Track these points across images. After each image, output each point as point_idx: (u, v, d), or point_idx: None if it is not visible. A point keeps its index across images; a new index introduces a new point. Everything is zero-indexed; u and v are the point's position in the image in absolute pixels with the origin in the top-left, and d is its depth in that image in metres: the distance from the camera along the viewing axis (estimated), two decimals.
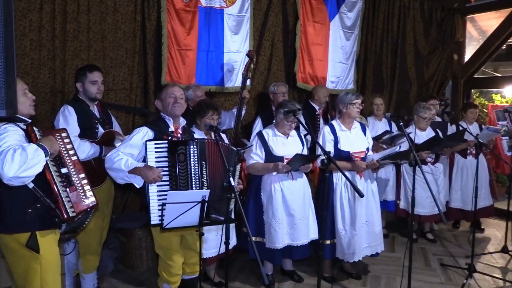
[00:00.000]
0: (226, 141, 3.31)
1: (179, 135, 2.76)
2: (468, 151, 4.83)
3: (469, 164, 4.84)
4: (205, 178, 2.51)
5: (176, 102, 2.71)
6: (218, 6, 4.31)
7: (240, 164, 2.78)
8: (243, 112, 4.05)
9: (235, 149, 2.70)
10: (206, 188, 2.50)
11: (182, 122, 2.85)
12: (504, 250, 4.31)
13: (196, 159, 2.50)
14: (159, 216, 2.40)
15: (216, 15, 4.31)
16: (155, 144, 2.50)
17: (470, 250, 3.76)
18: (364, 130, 3.60)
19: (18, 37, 3.30)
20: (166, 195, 2.33)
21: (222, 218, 2.49)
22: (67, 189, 2.16)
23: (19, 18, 3.30)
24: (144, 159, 2.53)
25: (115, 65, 3.84)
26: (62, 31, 3.53)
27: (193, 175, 2.49)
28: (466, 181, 4.83)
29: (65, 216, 2.09)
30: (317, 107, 4.51)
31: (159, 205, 2.41)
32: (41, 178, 2.07)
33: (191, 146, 2.49)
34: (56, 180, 2.12)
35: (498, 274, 3.79)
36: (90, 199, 2.24)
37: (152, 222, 2.45)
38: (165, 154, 2.49)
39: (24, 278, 2.14)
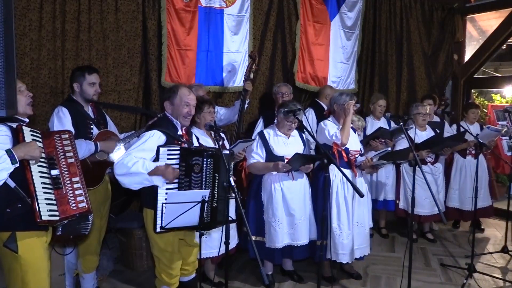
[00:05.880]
0: (226, 142, 3.30)
1: (185, 138, 2.72)
2: (468, 151, 4.82)
3: (468, 164, 4.82)
4: (216, 190, 2.49)
5: (190, 113, 2.67)
6: (218, 6, 4.31)
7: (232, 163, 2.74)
8: (245, 105, 4.04)
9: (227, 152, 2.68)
10: (216, 199, 2.49)
11: None
12: (504, 250, 4.30)
13: (211, 172, 2.48)
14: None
15: (216, 15, 4.31)
16: (168, 150, 2.47)
17: (470, 250, 3.76)
18: (354, 132, 3.62)
19: (18, 37, 3.29)
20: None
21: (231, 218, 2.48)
22: (54, 191, 2.10)
23: (19, 18, 3.29)
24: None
25: (117, 65, 3.82)
26: (62, 31, 3.52)
27: (206, 186, 2.48)
28: (464, 181, 4.82)
29: (38, 219, 1.99)
30: (325, 106, 4.51)
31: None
32: (25, 179, 2.03)
33: (208, 160, 2.46)
34: (35, 181, 2.04)
35: (498, 274, 3.79)
36: (80, 205, 2.16)
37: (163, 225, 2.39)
38: (177, 161, 2.47)
39: (8, 276, 2.15)
